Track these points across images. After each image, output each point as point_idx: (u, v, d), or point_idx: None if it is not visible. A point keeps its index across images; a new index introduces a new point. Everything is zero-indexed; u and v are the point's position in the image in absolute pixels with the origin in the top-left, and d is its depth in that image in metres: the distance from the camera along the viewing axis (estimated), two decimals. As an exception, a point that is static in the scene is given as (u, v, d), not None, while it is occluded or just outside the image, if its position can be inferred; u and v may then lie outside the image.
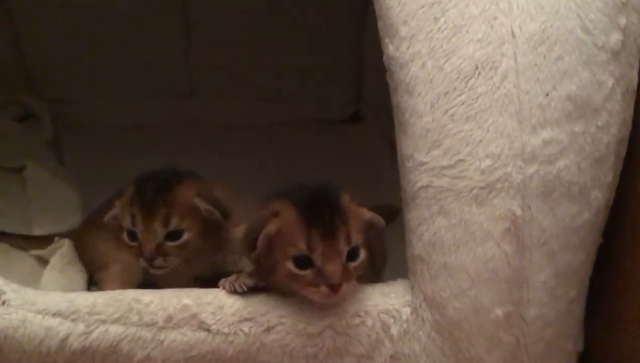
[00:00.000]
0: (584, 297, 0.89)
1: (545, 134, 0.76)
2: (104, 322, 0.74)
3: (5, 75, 1.40)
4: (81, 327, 0.73)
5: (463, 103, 0.74)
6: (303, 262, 0.75)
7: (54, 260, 1.02)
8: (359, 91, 1.53)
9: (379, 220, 0.79)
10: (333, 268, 0.74)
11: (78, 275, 1.02)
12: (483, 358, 0.78)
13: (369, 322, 0.78)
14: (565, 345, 0.88)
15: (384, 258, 0.95)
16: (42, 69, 1.43)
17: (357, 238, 0.76)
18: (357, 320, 0.78)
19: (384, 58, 0.78)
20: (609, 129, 0.80)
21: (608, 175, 0.82)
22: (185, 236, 0.86)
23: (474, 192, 0.75)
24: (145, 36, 1.41)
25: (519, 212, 0.76)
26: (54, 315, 0.73)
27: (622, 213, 0.91)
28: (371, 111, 1.51)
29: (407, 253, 0.79)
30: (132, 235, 0.86)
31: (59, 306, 0.74)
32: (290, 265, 0.75)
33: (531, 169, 0.76)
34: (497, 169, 0.75)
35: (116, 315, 0.74)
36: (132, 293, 0.76)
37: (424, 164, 0.75)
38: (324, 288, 0.74)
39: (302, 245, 0.74)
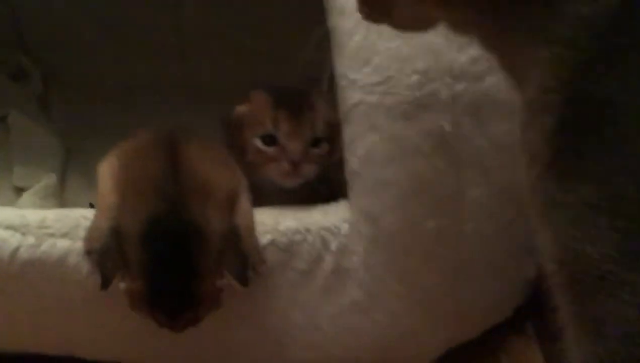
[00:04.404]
0: (526, 220, 0.88)
1: (472, 51, 0.75)
2: (52, 235, 0.74)
3: (1, 38, 1.41)
4: (31, 239, 0.74)
5: (392, 21, 0.73)
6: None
7: (38, 187, 1.04)
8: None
9: (236, 286, 0.73)
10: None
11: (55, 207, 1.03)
12: (419, 269, 0.78)
13: (310, 238, 0.78)
14: (507, 266, 0.87)
15: None
16: (35, 31, 1.43)
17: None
18: (299, 237, 0.78)
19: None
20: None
21: (540, 94, 0.80)
22: (324, 145, 0.83)
23: (403, 107, 0.74)
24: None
25: (448, 128, 0.74)
26: (7, 228, 0.74)
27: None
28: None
29: (346, 170, 0.78)
30: (271, 140, 0.82)
31: (12, 220, 0.74)
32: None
33: (460, 86, 0.75)
34: (425, 85, 0.73)
35: (64, 230, 0.74)
36: (80, 211, 0.77)
37: (355, 81, 0.74)
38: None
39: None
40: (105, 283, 0.69)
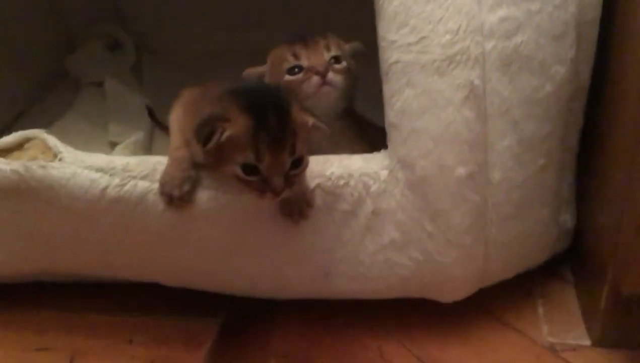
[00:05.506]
0: (559, 169, 0.93)
1: (502, 12, 0.81)
2: (134, 177, 0.86)
3: (100, 12, 1.57)
4: (117, 180, 0.86)
5: (426, -14, 0.80)
6: (250, 169, 0.78)
7: (128, 141, 1.18)
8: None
9: (321, 125, 0.81)
10: (278, 180, 0.77)
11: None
12: (450, 212, 0.84)
13: (352, 182, 0.86)
14: (539, 211, 0.92)
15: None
16: (130, 5, 1.59)
17: (301, 148, 0.78)
18: (342, 182, 0.86)
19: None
20: (567, 7, 0.83)
21: (569, 52, 0.85)
22: (343, 62, 0.93)
23: (436, 64, 0.80)
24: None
25: (477, 82, 0.80)
26: (97, 170, 0.86)
27: (601, 98, 0.93)
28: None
29: (385, 123, 0.86)
30: (297, 69, 0.92)
31: (101, 163, 0.86)
32: (238, 170, 0.78)
33: (490, 44, 0.81)
34: (456, 43, 0.80)
35: (144, 173, 0.86)
36: (157, 158, 0.88)
37: (394, 42, 0.81)
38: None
39: (250, 156, 0.76)
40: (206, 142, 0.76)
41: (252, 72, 0.95)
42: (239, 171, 0.78)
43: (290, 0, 1.56)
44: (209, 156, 0.81)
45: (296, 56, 0.92)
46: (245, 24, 1.60)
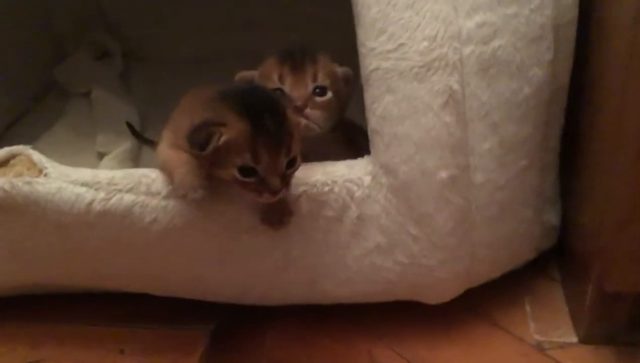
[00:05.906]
0: (541, 169, 0.94)
1: (479, 17, 0.81)
2: (120, 191, 0.86)
3: (86, 19, 1.57)
4: (102, 194, 0.86)
5: (403, -7, 0.80)
6: (248, 171, 0.78)
7: (116, 152, 1.18)
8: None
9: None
10: (275, 180, 0.79)
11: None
12: (433, 216, 0.85)
13: (336, 189, 0.87)
14: (522, 211, 0.93)
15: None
16: (115, 10, 1.59)
17: (295, 148, 0.80)
18: (326, 188, 0.87)
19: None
20: (543, 10, 0.83)
21: (547, 54, 0.85)
22: (329, 94, 0.90)
23: (414, 70, 0.81)
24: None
25: (456, 87, 0.81)
26: (82, 184, 0.86)
27: (581, 99, 0.94)
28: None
29: (368, 129, 0.86)
30: (280, 91, 0.89)
31: (86, 178, 0.87)
32: (235, 173, 0.79)
33: (467, 49, 0.81)
34: (433, 50, 0.80)
35: (129, 186, 0.86)
36: (142, 171, 0.88)
37: (373, 49, 0.82)
38: (266, 194, 0.79)
39: (248, 158, 0.78)
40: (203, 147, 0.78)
41: (245, 75, 0.95)
42: (236, 173, 0.79)
43: (280, 3, 1.56)
44: (204, 161, 0.81)
45: (281, 79, 0.90)
46: (234, 28, 1.60)
